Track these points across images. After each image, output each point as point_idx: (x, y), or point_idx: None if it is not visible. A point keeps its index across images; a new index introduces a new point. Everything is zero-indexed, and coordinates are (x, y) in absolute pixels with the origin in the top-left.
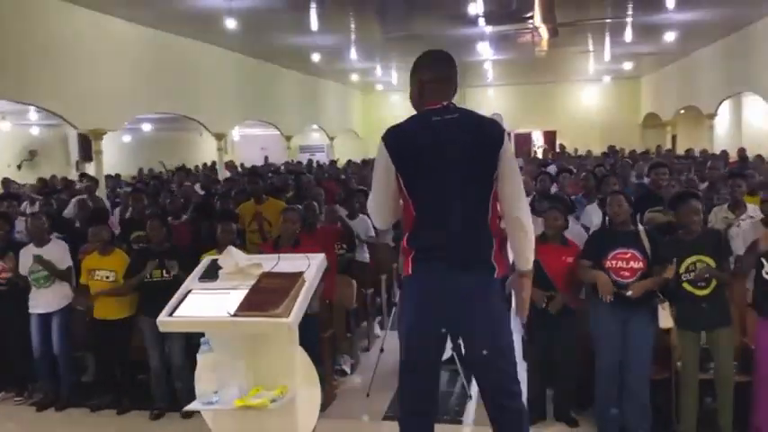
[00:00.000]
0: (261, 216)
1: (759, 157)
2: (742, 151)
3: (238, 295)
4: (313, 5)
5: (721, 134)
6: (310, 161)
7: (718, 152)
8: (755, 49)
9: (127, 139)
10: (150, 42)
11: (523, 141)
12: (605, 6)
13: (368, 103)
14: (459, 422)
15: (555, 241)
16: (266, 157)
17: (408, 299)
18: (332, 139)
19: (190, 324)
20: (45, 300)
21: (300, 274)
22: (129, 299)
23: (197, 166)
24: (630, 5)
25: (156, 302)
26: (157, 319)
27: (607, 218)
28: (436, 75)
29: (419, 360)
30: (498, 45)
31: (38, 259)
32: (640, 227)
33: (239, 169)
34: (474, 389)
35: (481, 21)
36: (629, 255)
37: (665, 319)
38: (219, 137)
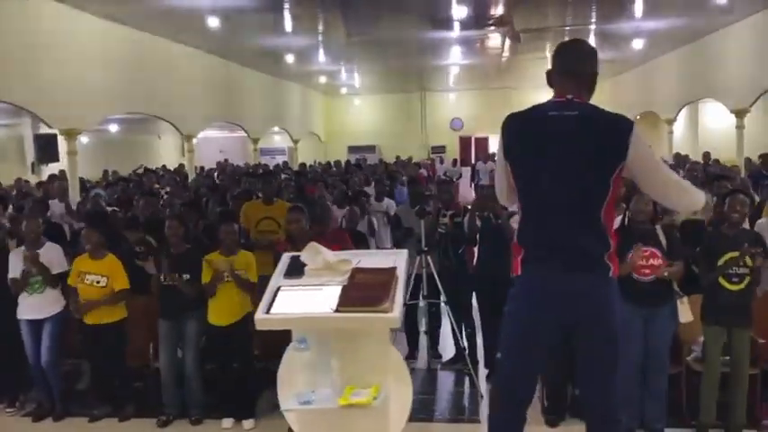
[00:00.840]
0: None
1: (716, 161)
2: (707, 156)
3: (331, 291)
4: (286, 6)
5: (678, 139)
6: (285, 163)
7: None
8: (716, 57)
9: (84, 140)
10: (124, 41)
11: (479, 146)
12: (566, 14)
13: (331, 107)
14: (477, 421)
15: None
16: (226, 160)
17: (516, 300)
18: (296, 142)
19: (290, 321)
20: (37, 305)
21: (394, 269)
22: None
23: (157, 169)
24: (593, 13)
25: (172, 305)
26: (255, 317)
27: (627, 216)
28: (562, 66)
29: (520, 363)
30: (462, 50)
31: (32, 259)
32: (657, 225)
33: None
34: (485, 387)
35: (456, 25)
36: (648, 252)
37: (685, 313)
38: (189, 138)
